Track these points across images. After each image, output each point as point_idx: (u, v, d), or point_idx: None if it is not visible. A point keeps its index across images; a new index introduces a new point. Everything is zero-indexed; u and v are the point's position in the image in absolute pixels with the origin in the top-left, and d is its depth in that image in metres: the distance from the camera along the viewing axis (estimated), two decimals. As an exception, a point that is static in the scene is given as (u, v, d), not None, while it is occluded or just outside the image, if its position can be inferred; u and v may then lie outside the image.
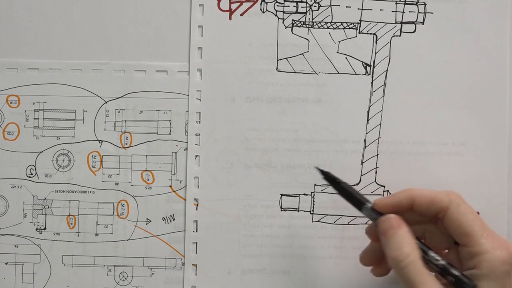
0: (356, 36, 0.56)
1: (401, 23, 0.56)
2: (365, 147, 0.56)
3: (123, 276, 0.56)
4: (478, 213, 0.51)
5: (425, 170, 0.55)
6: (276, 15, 0.56)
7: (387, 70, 0.56)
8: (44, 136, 0.57)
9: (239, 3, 0.56)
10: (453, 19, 0.56)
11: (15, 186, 0.57)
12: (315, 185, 0.56)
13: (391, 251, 0.47)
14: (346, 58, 0.56)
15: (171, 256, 0.56)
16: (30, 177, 0.57)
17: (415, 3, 0.56)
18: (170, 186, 0.57)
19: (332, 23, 0.56)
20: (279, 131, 0.56)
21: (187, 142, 0.56)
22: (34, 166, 0.57)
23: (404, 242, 0.47)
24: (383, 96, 0.56)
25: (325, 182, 0.51)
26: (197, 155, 0.56)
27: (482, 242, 0.46)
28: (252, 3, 0.56)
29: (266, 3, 0.56)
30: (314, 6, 0.56)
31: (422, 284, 0.45)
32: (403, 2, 0.56)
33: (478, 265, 0.46)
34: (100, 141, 0.57)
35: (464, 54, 0.56)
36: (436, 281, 0.46)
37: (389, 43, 0.56)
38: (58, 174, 0.57)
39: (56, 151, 0.57)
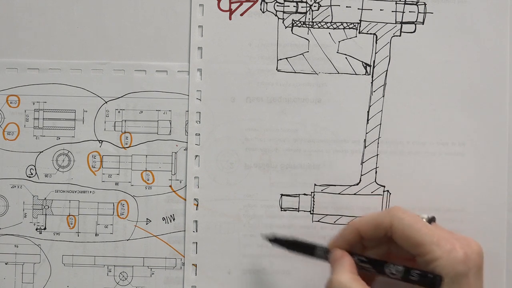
0: (356, 36, 0.56)
1: (401, 23, 0.56)
2: (365, 147, 0.56)
3: (123, 276, 0.56)
4: (433, 218, 0.51)
5: (425, 170, 0.55)
6: (276, 15, 0.56)
7: (387, 70, 0.56)
8: (44, 136, 0.57)
9: (239, 3, 0.56)
10: (453, 19, 0.56)
11: (15, 186, 0.57)
12: (315, 185, 0.56)
13: (326, 284, 0.48)
14: (346, 58, 0.56)
15: (171, 256, 0.56)
16: (30, 177, 0.57)
17: (415, 3, 0.56)
18: (170, 186, 0.57)
19: (332, 23, 0.56)
20: (279, 131, 0.56)
21: (187, 142, 0.56)
22: (34, 166, 0.57)
23: (338, 270, 0.48)
24: (383, 96, 0.56)
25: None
26: (197, 155, 0.56)
27: (433, 249, 0.46)
28: (252, 3, 0.56)
29: (266, 3, 0.56)
30: (314, 6, 0.56)
31: None
32: (403, 2, 0.56)
33: (433, 270, 0.46)
34: (100, 141, 0.57)
35: (464, 54, 0.56)
36: None
37: (389, 43, 0.56)
38: (58, 174, 0.57)
39: (56, 151, 0.57)
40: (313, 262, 0.55)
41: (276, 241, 0.53)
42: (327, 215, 0.56)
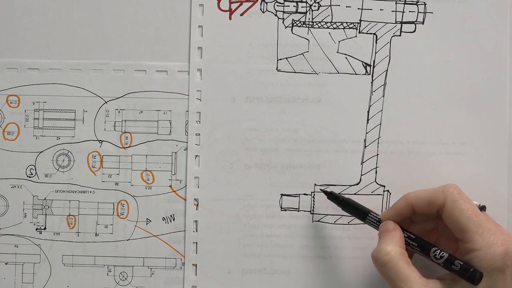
0: (356, 36, 0.56)
1: (401, 23, 0.56)
2: (365, 147, 0.56)
3: (123, 276, 0.56)
4: (484, 207, 0.51)
5: (425, 170, 0.55)
6: (276, 15, 0.56)
7: (387, 70, 0.56)
8: (44, 136, 0.57)
9: (239, 3, 0.56)
10: (453, 19, 0.56)
11: (15, 186, 0.57)
12: (315, 185, 0.56)
13: (373, 251, 0.49)
14: (346, 58, 0.56)
15: (171, 256, 0.56)
16: (30, 177, 0.57)
17: (415, 3, 0.56)
18: (170, 186, 0.56)
19: (332, 23, 0.56)
20: (279, 131, 0.56)
21: (187, 142, 0.56)
22: (34, 166, 0.57)
23: (387, 241, 0.48)
24: (383, 96, 0.56)
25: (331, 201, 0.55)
26: (197, 155, 0.56)
27: (476, 239, 0.46)
28: (252, 3, 0.56)
29: (266, 3, 0.56)
30: (314, 6, 0.56)
31: (401, 281, 0.46)
32: (403, 2, 0.56)
33: (470, 261, 0.47)
34: (100, 141, 0.57)
35: (464, 54, 0.56)
36: (420, 278, 0.47)
37: (389, 43, 0.56)
38: (58, 174, 0.57)
39: (56, 151, 0.57)
40: (313, 262, 0.55)
41: (332, 196, 0.54)
42: (327, 215, 0.56)
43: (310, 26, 0.56)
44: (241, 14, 0.56)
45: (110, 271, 0.56)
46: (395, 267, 0.47)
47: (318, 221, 0.56)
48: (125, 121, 0.57)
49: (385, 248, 0.48)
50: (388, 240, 0.49)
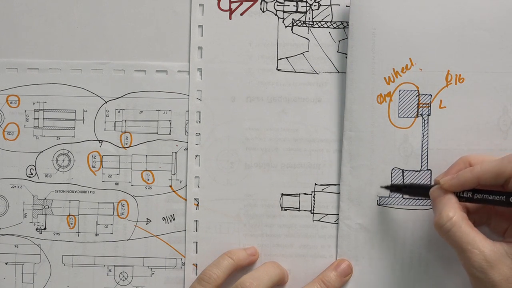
0: (356, 36, 0.56)
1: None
2: (365, 146, 0.56)
3: (123, 276, 0.56)
4: None
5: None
6: (276, 15, 0.56)
7: (387, 70, 0.56)
8: (44, 136, 0.57)
9: (239, 3, 0.56)
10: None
11: (15, 186, 0.57)
12: (315, 184, 0.56)
13: (434, 218, 0.48)
14: (346, 57, 0.56)
15: (171, 256, 0.56)
16: (30, 177, 0.57)
17: (415, 2, 0.56)
18: (170, 186, 0.56)
19: (332, 22, 0.56)
20: (279, 131, 0.56)
21: (187, 142, 0.56)
22: (34, 166, 0.57)
23: (446, 206, 0.47)
24: (383, 95, 0.56)
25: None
26: (197, 155, 0.56)
27: None
28: (252, 2, 0.56)
29: (266, 2, 0.56)
30: (314, 6, 0.56)
31: (468, 244, 0.46)
32: (403, 2, 0.56)
33: None
34: (100, 141, 0.57)
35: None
36: (486, 239, 0.46)
37: (389, 43, 0.56)
38: (58, 174, 0.57)
39: (56, 151, 0.57)
40: (313, 262, 0.55)
41: (394, 189, 0.53)
42: (327, 214, 0.56)
43: (310, 25, 0.56)
44: (241, 14, 0.56)
45: (110, 271, 0.56)
46: (460, 230, 0.46)
47: (319, 220, 0.56)
48: (125, 121, 0.57)
49: (447, 214, 0.47)
50: (447, 205, 0.48)
